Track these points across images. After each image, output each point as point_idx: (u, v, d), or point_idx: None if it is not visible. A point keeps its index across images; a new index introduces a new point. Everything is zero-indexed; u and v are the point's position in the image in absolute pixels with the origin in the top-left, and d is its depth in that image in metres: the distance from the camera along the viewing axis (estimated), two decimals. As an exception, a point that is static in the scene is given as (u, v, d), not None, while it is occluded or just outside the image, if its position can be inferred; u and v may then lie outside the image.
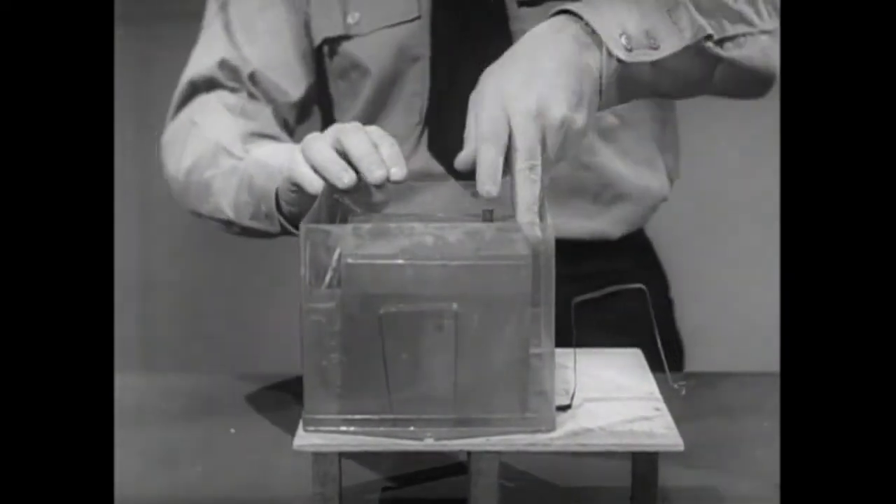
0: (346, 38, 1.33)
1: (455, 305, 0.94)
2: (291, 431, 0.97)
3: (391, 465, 1.03)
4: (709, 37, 1.15)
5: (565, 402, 0.99)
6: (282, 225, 1.16)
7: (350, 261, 0.94)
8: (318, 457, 0.95)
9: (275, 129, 1.32)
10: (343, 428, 0.95)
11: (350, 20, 1.33)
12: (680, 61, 1.13)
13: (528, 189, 0.99)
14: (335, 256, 0.94)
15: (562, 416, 0.97)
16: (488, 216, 1.04)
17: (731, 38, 1.17)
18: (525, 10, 1.29)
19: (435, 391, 0.95)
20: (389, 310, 0.94)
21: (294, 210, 1.13)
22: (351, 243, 0.94)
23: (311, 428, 0.96)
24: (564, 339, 0.99)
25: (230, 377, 1.44)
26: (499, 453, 0.94)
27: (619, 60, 1.08)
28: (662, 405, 1.01)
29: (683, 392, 1.01)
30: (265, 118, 1.32)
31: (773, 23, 1.21)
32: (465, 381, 0.94)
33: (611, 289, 1.02)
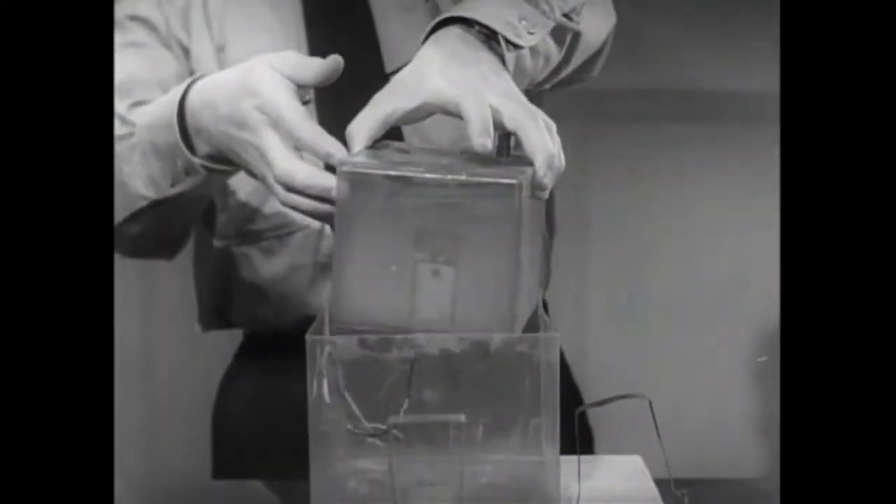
0: None
1: (463, 417, 0.93)
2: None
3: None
4: (565, 14, 1.16)
5: None
6: (206, 168, 1.11)
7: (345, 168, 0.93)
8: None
9: (154, 94, 1.24)
10: None
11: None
12: (543, 43, 1.14)
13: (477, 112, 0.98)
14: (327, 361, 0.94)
15: None
16: (505, 142, 1.00)
17: (576, 10, 1.18)
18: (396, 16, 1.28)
19: None
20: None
21: (212, 150, 1.08)
22: (356, 353, 0.93)
23: None
24: None
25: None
26: None
27: (517, 46, 1.08)
28: None
29: (686, 501, 1.00)
30: (143, 88, 1.25)
31: None
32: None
33: (614, 398, 1.01)
